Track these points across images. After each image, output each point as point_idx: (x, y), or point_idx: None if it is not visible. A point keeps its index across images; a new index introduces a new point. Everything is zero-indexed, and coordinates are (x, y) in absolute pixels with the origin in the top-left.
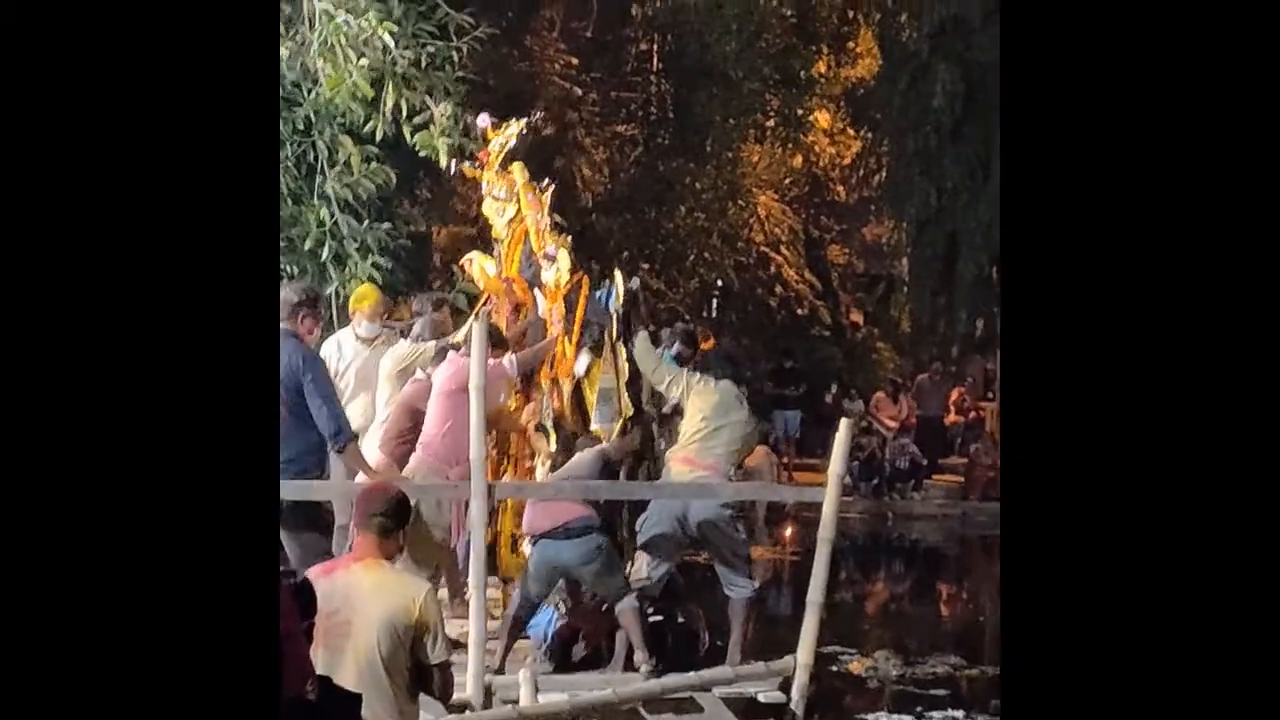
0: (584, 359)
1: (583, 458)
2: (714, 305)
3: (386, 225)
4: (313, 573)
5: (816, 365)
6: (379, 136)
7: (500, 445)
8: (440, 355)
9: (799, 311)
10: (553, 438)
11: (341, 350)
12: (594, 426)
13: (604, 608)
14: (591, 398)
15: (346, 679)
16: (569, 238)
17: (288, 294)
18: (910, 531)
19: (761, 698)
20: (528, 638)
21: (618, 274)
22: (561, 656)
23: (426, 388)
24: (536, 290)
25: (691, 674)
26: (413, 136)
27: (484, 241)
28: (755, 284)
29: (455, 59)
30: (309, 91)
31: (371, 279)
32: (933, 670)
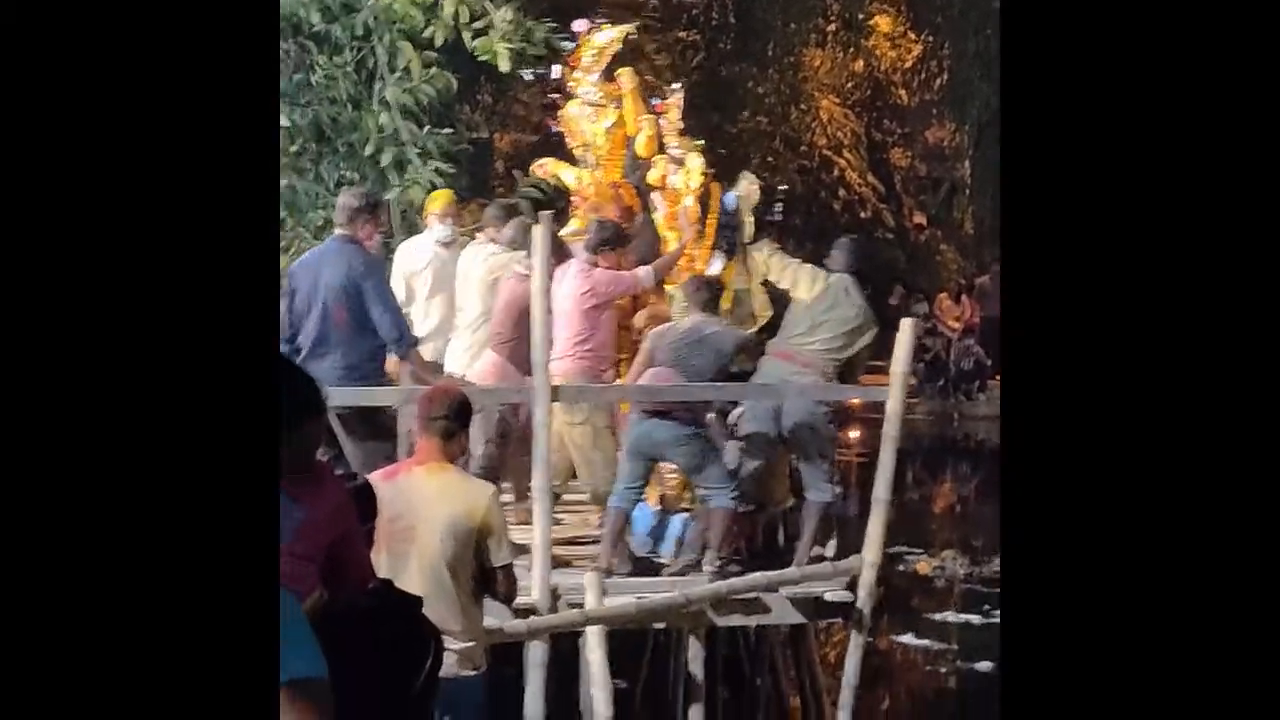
0: (718, 262)
1: (724, 329)
2: (777, 209)
3: (447, 130)
4: (374, 477)
5: (880, 268)
6: (439, 42)
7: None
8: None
9: (862, 215)
10: None
11: (418, 253)
12: None
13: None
14: (721, 300)
15: (410, 583)
16: (699, 141)
17: (347, 199)
18: (976, 432)
19: (828, 597)
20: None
21: (747, 176)
22: (699, 562)
23: (528, 287)
24: (655, 194)
25: (758, 575)
26: (473, 42)
27: (548, 147)
28: (818, 188)
29: None
30: None
31: (433, 184)
32: (999, 569)
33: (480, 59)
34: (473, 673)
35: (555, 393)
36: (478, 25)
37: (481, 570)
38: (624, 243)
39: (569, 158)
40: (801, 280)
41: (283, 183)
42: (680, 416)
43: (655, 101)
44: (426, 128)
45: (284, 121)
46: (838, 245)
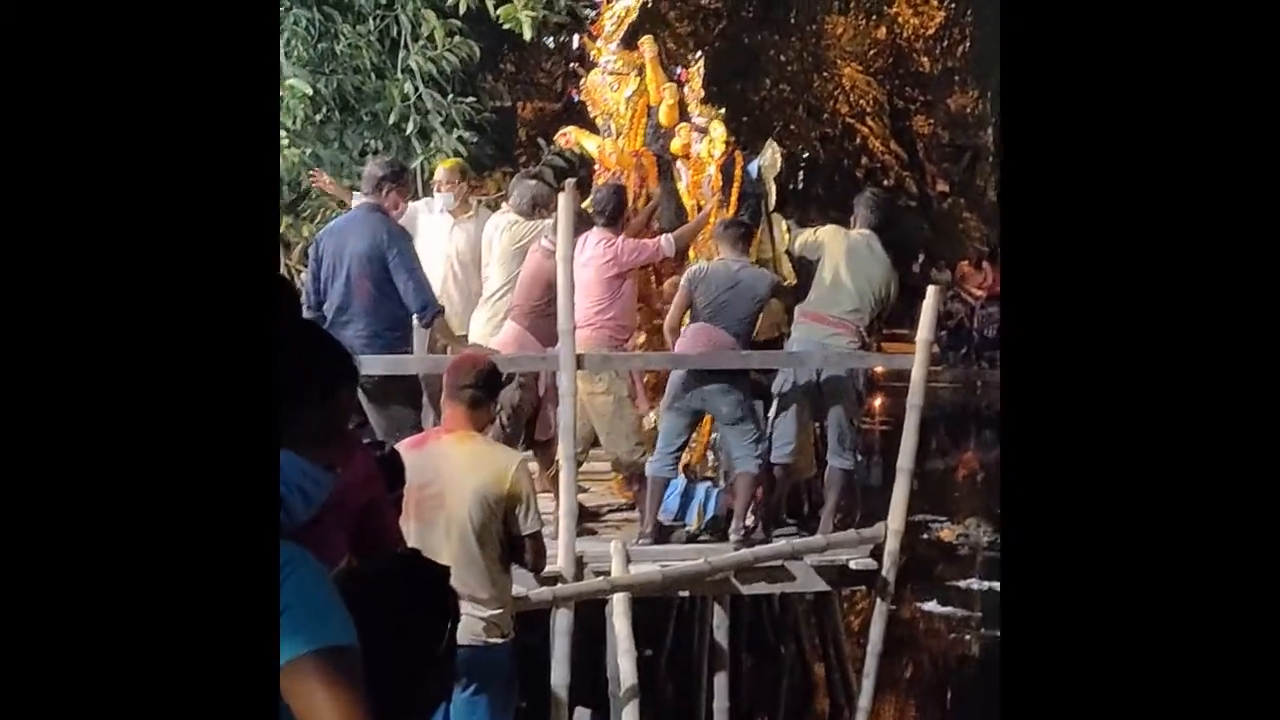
0: None
1: (758, 271)
2: (800, 177)
3: (471, 99)
4: (403, 445)
5: (903, 236)
6: (463, 10)
7: (648, 319)
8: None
9: (885, 182)
10: None
11: (418, 221)
12: None
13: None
14: None
15: (439, 551)
16: (722, 110)
17: (373, 168)
18: (999, 400)
19: (853, 565)
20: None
21: (771, 144)
22: (725, 527)
23: (554, 261)
24: (679, 163)
25: (783, 543)
26: (496, 9)
27: (571, 116)
28: (841, 155)
29: None
30: None
31: (457, 153)
32: (1000, 546)
33: (504, 26)
34: (501, 640)
35: (580, 361)
36: None
37: (510, 538)
38: (622, 209)
39: (591, 126)
40: (825, 240)
41: (307, 151)
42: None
43: (678, 70)
44: (450, 96)
45: (308, 90)
46: (859, 201)
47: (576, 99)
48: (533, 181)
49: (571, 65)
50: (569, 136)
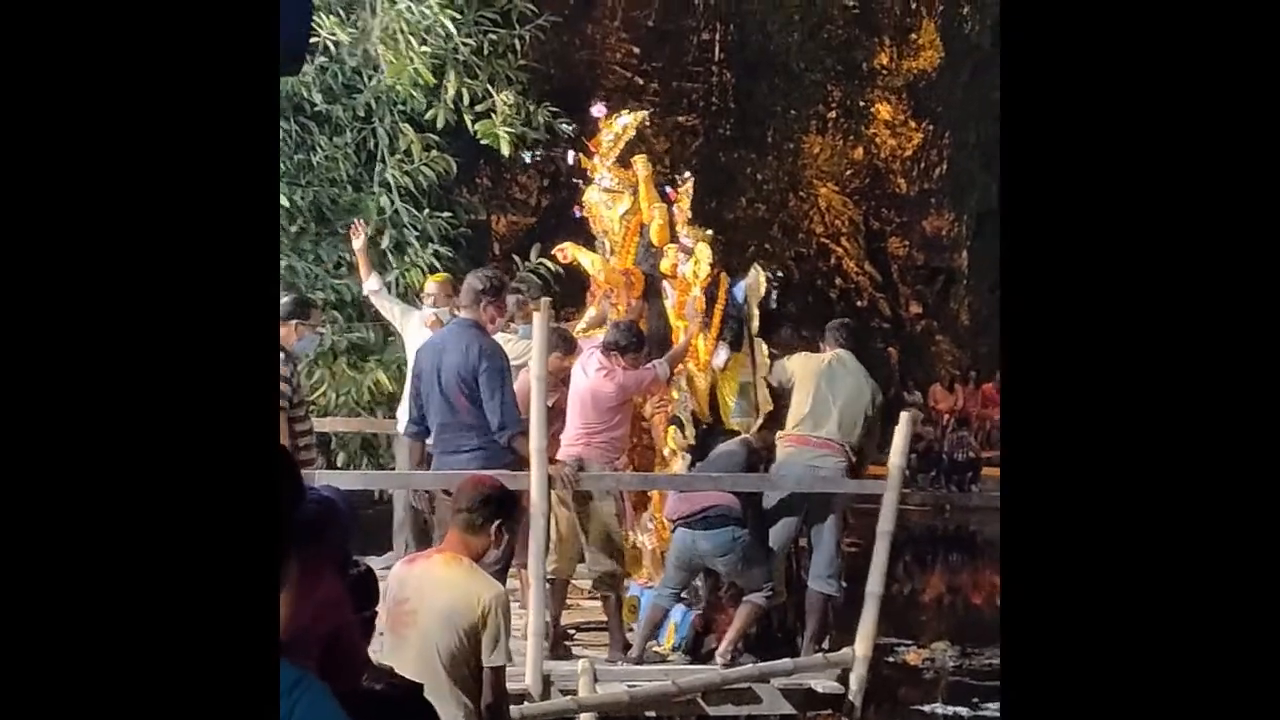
0: (723, 353)
1: (726, 447)
2: (774, 297)
3: (447, 214)
4: (402, 561)
5: (875, 357)
6: (440, 124)
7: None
8: (566, 346)
9: (859, 303)
10: (690, 432)
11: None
12: (732, 421)
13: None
14: (725, 392)
15: (406, 666)
16: (709, 231)
17: (472, 281)
18: (968, 523)
19: (819, 689)
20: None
21: (756, 268)
22: (694, 649)
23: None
24: (665, 283)
25: (750, 666)
26: (474, 125)
27: (546, 230)
28: (815, 276)
29: (517, 47)
30: (370, 78)
31: (432, 267)
32: (989, 662)
33: (481, 142)
34: None
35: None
36: (479, 108)
37: (479, 669)
38: (641, 348)
39: (589, 242)
40: (795, 367)
41: (282, 263)
42: (719, 522)
43: (668, 189)
44: (426, 210)
45: (284, 202)
46: (829, 328)
47: (579, 214)
48: (517, 296)
49: (546, 182)
50: (566, 252)
